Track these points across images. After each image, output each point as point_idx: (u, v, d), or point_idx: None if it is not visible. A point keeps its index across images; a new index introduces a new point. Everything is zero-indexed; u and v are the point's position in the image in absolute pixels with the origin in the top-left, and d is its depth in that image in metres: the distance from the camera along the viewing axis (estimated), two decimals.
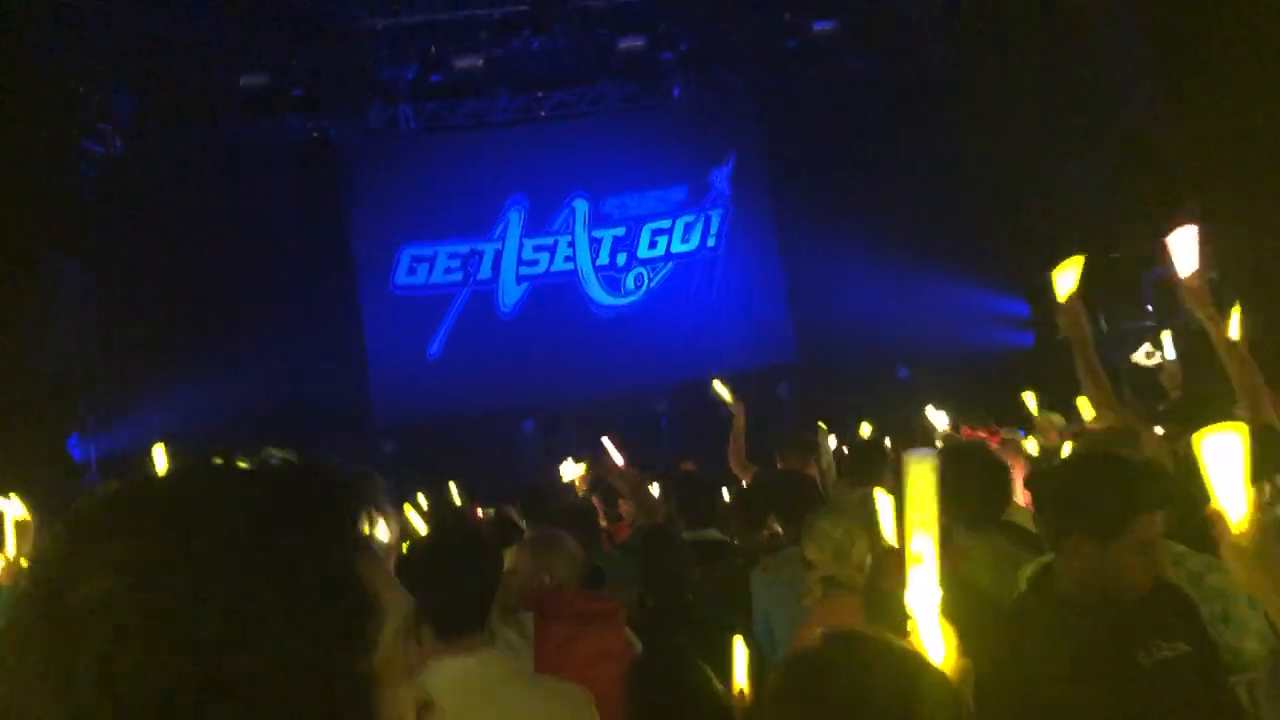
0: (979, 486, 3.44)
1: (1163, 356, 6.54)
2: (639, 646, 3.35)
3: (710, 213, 15.88)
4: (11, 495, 5.59)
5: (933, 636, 1.53)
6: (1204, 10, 11.49)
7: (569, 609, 3.18)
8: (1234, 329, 4.10)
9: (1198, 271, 3.85)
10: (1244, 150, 10.97)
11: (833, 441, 7.88)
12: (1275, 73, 10.59)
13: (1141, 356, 6.96)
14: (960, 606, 2.55)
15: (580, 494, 8.22)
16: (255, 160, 14.80)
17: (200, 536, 0.74)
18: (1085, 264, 3.97)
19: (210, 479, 0.81)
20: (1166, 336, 6.45)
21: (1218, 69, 11.42)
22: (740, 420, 6.99)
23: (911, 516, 1.52)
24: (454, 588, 2.60)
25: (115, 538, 0.74)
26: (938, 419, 8.32)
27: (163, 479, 0.82)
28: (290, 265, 14.61)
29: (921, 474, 1.51)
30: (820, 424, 9.03)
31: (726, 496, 6.94)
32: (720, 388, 7.21)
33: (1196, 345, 6.75)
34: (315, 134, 15.09)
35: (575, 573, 3.48)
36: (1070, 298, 4.02)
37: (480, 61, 14.68)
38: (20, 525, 5.52)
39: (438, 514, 6.53)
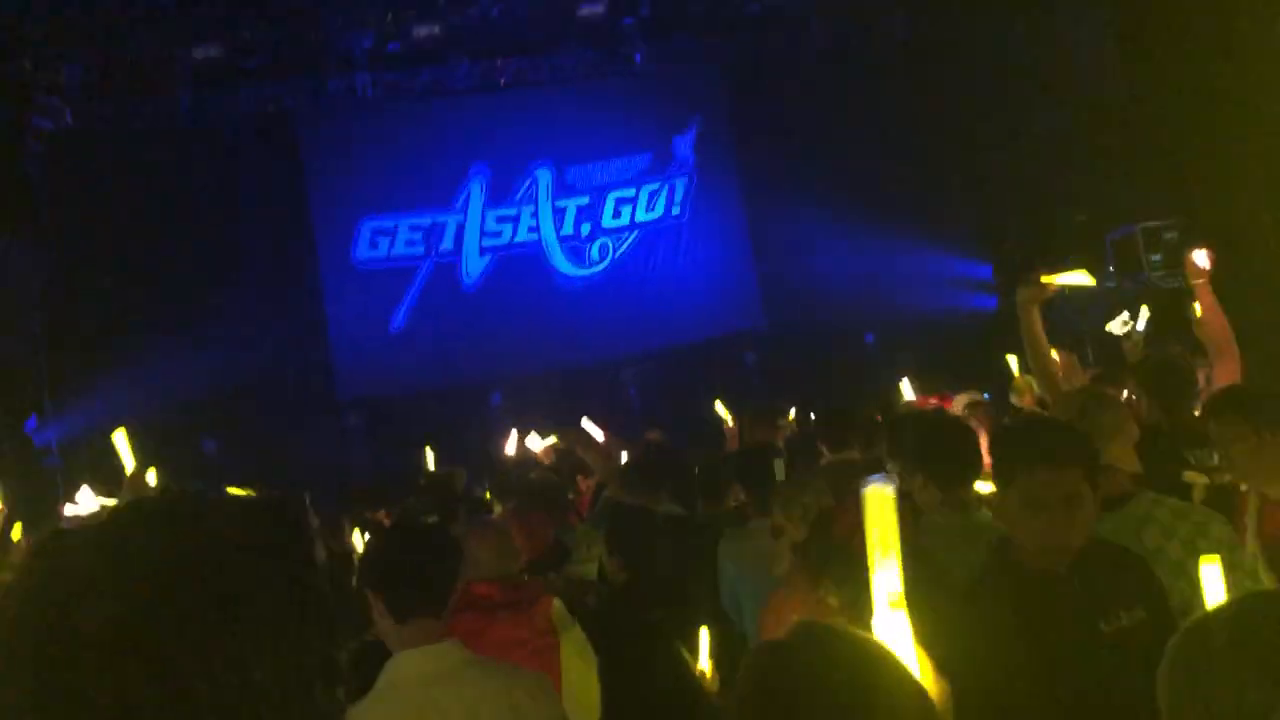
0: (944, 454, 3.39)
1: (1133, 327, 6.60)
2: (569, 628, 3.34)
3: (675, 181, 15.79)
4: None
5: (907, 660, 1.48)
6: None
7: (478, 600, 3.18)
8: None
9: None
10: (1206, 107, 11.03)
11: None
12: (1237, 28, 10.64)
13: (1117, 325, 7.00)
14: (926, 586, 2.56)
15: (545, 464, 8.17)
16: (212, 133, 14.53)
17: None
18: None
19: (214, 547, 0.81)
20: (1144, 310, 6.56)
21: (1178, 26, 11.46)
22: (734, 443, 7.22)
23: (875, 549, 1.46)
24: (412, 576, 2.63)
25: (104, 599, 0.76)
26: (908, 391, 8.35)
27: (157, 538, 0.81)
28: (250, 240, 14.39)
29: (882, 503, 1.44)
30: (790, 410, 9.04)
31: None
32: (720, 409, 7.39)
33: (1161, 312, 6.86)
34: (272, 106, 14.83)
35: (501, 562, 3.46)
36: (1046, 286, 4.04)
37: (438, 29, 14.46)
38: None
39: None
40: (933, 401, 7.96)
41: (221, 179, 14.32)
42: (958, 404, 7.54)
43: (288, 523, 0.87)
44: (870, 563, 1.44)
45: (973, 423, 6.54)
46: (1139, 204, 12.62)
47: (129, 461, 4.19)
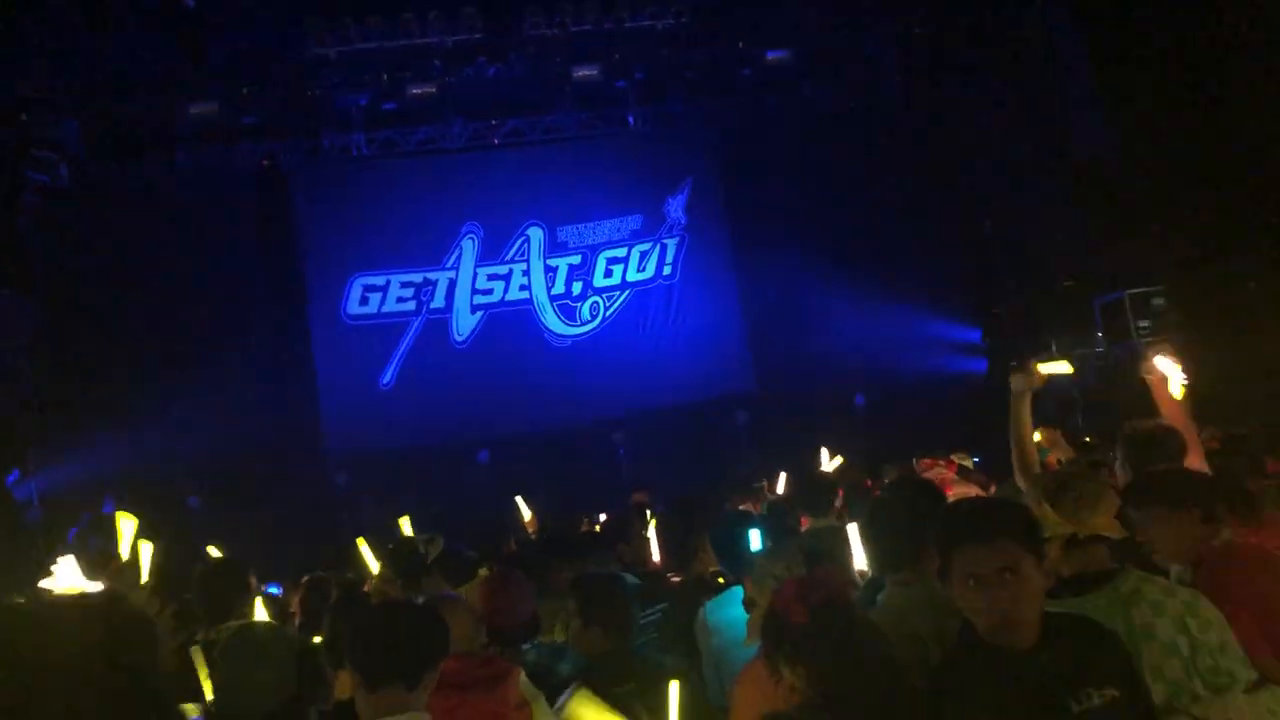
0: (891, 527, 3.33)
1: None
2: (536, 699, 3.32)
3: (666, 241, 15.86)
4: None
5: None
6: (1143, 39, 11.66)
7: (449, 676, 3.14)
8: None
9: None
10: (1187, 175, 11.12)
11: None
12: (1216, 101, 10.77)
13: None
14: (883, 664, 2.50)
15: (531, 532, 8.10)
16: (206, 190, 14.57)
17: None
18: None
19: None
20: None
21: (1159, 97, 11.59)
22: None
23: None
24: (382, 646, 2.68)
25: None
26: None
27: None
28: (242, 296, 14.41)
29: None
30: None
31: None
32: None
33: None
34: (267, 163, 14.93)
35: (474, 638, 3.46)
36: (1038, 377, 4.23)
37: (434, 89, 14.63)
38: None
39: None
40: (940, 465, 7.85)
41: (215, 236, 14.36)
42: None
43: (116, 628, 0.90)
44: None
45: (965, 487, 6.48)
46: (1127, 269, 12.67)
47: (125, 547, 3.92)
